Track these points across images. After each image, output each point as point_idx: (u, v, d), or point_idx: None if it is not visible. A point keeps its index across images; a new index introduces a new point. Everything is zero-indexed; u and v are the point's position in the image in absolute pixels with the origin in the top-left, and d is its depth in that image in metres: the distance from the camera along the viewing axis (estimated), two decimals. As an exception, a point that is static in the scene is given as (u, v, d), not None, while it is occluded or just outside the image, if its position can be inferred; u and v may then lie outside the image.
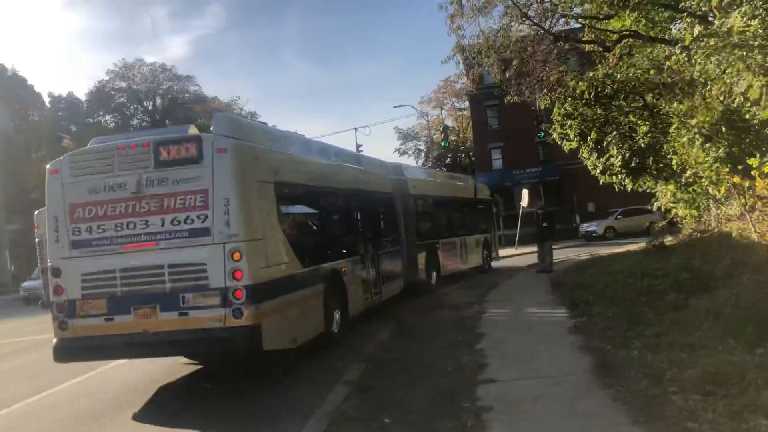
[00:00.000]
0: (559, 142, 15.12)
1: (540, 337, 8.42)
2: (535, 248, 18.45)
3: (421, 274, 15.11)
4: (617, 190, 16.37)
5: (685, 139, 11.40)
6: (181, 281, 7.38)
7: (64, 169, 7.88)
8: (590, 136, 14.10)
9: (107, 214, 7.61)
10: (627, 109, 14.53)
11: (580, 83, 13.94)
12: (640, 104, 14.06)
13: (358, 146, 32.22)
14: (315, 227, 10.57)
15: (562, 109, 14.31)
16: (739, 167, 9.41)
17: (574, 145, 14.73)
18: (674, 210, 15.22)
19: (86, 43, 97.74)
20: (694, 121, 11.26)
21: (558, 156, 45.85)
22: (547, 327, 9.13)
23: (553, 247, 17.89)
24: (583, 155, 14.87)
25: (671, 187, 14.85)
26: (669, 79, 12.58)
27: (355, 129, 32.34)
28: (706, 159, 11.31)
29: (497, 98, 47.49)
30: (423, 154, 61.19)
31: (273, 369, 8.58)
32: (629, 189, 15.51)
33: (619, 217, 33.55)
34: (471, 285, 16.25)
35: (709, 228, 13.92)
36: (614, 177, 14.39)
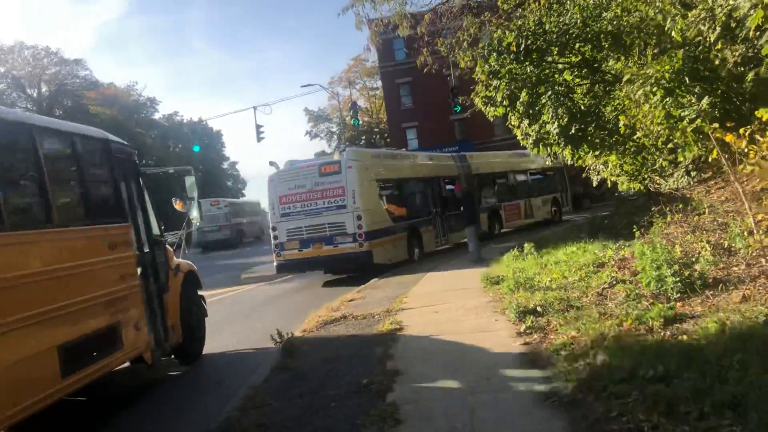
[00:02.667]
0: (483, 109, 12.57)
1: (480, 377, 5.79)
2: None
3: (484, 227, 20.29)
4: (550, 163, 14.06)
5: (639, 92, 9.06)
6: (333, 231, 15.40)
7: (275, 177, 16.27)
8: (520, 98, 11.62)
9: (296, 200, 15.83)
10: (561, 66, 12.15)
11: (507, 33, 11.43)
12: (578, 59, 11.70)
13: (258, 127, 28.76)
14: (400, 201, 18.09)
15: (486, 66, 11.76)
16: (729, 123, 7.10)
17: (500, 111, 12.23)
18: (621, 184, 13.08)
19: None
20: (651, 71, 8.92)
21: (475, 133, 44.14)
22: (491, 356, 6.50)
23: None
24: (512, 123, 12.39)
25: (612, 157, 12.65)
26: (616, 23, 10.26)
27: (254, 108, 28.77)
28: (663, 119, 9.03)
29: (410, 75, 45.29)
30: (335, 136, 58.06)
31: None
32: (568, 161, 13.22)
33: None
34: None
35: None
36: (550, 148, 12.01)
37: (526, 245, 13.08)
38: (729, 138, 6.67)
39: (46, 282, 5.58)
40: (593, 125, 11.65)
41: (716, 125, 6.95)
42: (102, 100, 60.86)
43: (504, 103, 11.87)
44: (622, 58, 11.74)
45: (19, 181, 5.89)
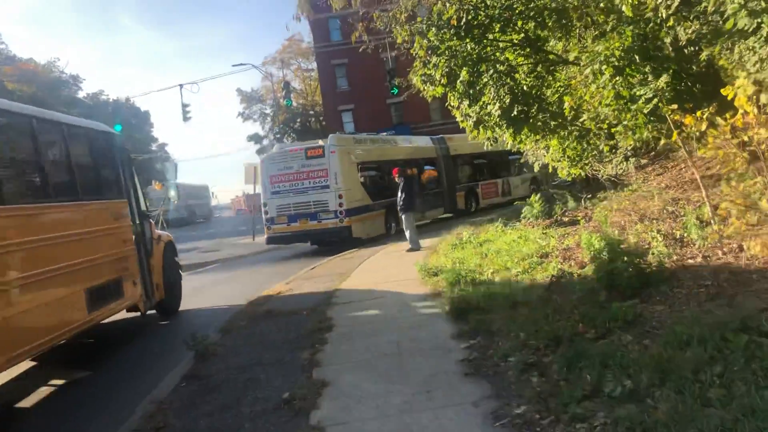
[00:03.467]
0: (420, 88, 11.74)
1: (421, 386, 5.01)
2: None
3: (461, 205, 24.25)
4: (488, 147, 13.46)
5: (587, 71, 8.47)
6: (317, 208, 17.33)
7: (266, 160, 18.56)
8: (460, 77, 10.86)
9: (285, 179, 17.71)
10: (503, 45, 11.46)
11: (448, 6, 10.62)
12: (521, 36, 11.03)
13: (184, 106, 27.06)
14: (379, 181, 19.48)
15: (425, 42, 10.93)
16: (689, 105, 6.54)
17: (439, 90, 11.42)
18: (562, 170, 12.59)
19: None
20: (600, 48, 8.33)
21: (411, 117, 43.48)
22: (429, 360, 5.72)
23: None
24: (452, 103, 11.62)
25: (554, 141, 12.12)
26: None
27: (180, 86, 27.04)
28: (612, 99, 8.48)
29: (346, 56, 44.11)
30: (269, 118, 56.22)
31: None
32: (508, 146, 12.62)
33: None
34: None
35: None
36: (491, 131, 11.32)
37: (464, 233, 12.44)
38: (688, 120, 6.10)
39: (77, 241, 7.54)
40: (536, 107, 11.04)
41: (675, 106, 6.37)
42: (19, 76, 56.81)
43: (443, 81, 11.07)
44: (563, 39, 11.19)
45: (54, 164, 7.69)
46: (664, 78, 7.04)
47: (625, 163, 15.14)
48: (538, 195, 14.03)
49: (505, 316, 6.39)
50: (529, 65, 11.31)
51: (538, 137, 11.88)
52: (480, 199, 25.60)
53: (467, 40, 10.97)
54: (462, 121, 11.78)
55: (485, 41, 11.24)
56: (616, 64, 8.21)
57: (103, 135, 9.10)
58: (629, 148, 15.50)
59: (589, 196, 14.32)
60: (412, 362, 5.71)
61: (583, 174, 13.44)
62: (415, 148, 23.24)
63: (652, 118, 8.07)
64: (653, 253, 6.86)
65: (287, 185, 17.71)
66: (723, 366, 3.92)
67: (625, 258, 6.31)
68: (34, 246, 6.58)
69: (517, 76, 11.13)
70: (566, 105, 9.77)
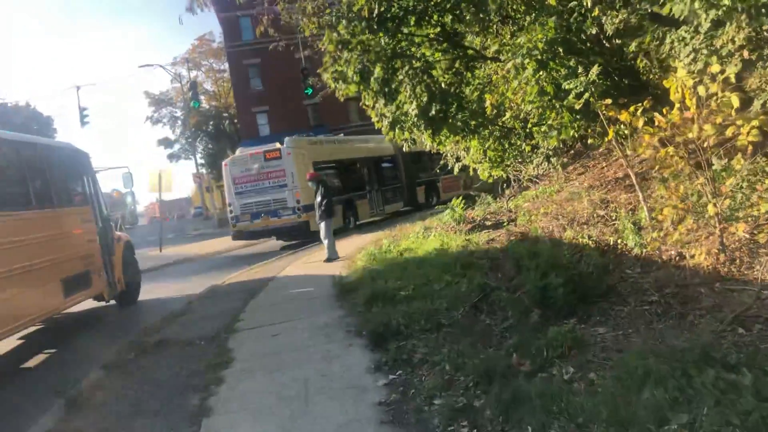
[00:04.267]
0: (332, 87, 10.84)
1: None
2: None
3: (421, 199, 25.78)
4: (407, 149, 12.72)
5: (509, 65, 7.82)
6: (277, 205, 18.58)
7: (230, 162, 19.61)
8: (374, 74, 10.04)
9: (247, 180, 18.90)
10: (418, 40, 10.74)
11: (358, -4, 9.78)
12: (438, 30, 10.34)
13: (81, 110, 25.02)
14: (337, 178, 20.79)
15: (335, 35, 10.03)
16: (622, 100, 5.94)
17: (352, 89, 10.57)
18: (483, 171, 11.99)
19: None
20: (522, 40, 7.70)
21: (329, 119, 42.47)
22: (342, 404, 4.80)
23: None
24: (366, 102, 10.79)
25: (474, 142, 11.51)
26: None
27: (77, 87, 24.94)
28: (535, 96, 7.87)
29: (259, 56, 42.53)
30: (180, 122, 53.78)
31: None
32: (428, 147, 11.89)
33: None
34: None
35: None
36: (408, 132, 10.55)
37: (384, 241, 11.63)
38: (624, 116, 5.48)
39: (54, 240, 9.04)
40: (455, 106, 10.36)
41: (609, 101, 5.75)
42: None
43: (356, 79, 10.19)
44: (482, 34, 10.60)
45: (39, 178, 9.24)
46: (595, 69, 6.44)
47: (546, 163, 14.80)
48: (461, 198, 13.41)
49: (429, 342, 5.59)
50: (447, 61, 10.63)
51: (458, 138, 11.22)
52: (441, 193, 26.74)
53: (380, 34, 10.19)
54: (377, 122, 10.97)
55: (400, 35, 10.50)
56: (540, 57, 7.61)
57: (72, 152, 10.81)
58: (550, 147, 15.17)
59: (511, 197, 13.85)
60: (322, 407, 4.78)
61: (505, 175, 12.92)
62: (372, 146, 24.40)
63: (577, 116, 7.51)
64: (586, 263, 6.23)
65: (249, 185, 19.13)
66: (690, 412, 3.23)
67: (559, 270, 5.65)
68: (18, 245, 8.01)
69: (434, 73, 10.43)
70: (487, 103, 9.12)
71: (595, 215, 7.99)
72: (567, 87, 6.63)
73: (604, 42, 7.94)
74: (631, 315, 4.97)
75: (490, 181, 14.55)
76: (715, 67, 4.97)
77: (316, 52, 19.28)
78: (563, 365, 4.34)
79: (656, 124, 5.44)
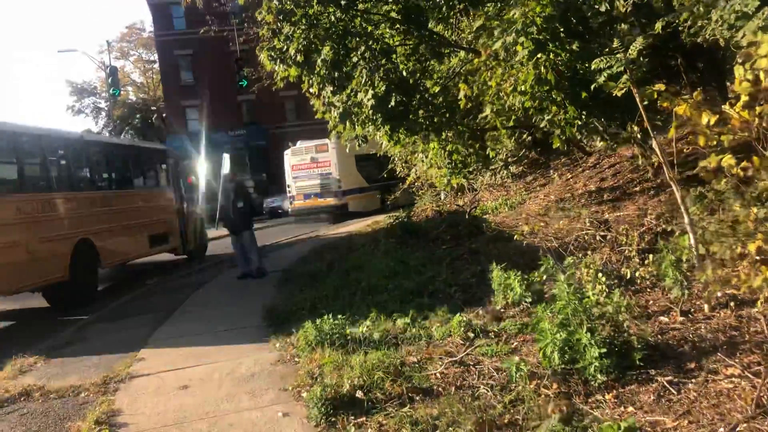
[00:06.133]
0: (269, 68, 8.89)
1: None
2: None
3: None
4: (358, 148, 10.98)
5: (497, 45, 6.16)
6: (324, 189, 23.65)
7: (289, 152, 24.57)
8: (322, 54, 8.21)
9: (302, 167, 24.07)
10: (376, 18, 8.97)
11: (305, -44, 7.92)
12: (399, 7, 8.60)
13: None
14: (376, 169, 22.04)
15: (275, 3, 8.14)
16: (659, 85, 4.33)
17: (293, 72, 8.67)
18: (440, 179, 10.31)
19: None
20: (517, 13, 6.04)
21: (264, 117, 40.12)
22: None
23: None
24: (310, 89, 8.92)
25: (433, 144, 9.81)
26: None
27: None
28: (531, 84, 6.25)
29: (191, 47, 39.76)
30: (104, 113, 50.09)
31: None
32: (383, 146, 10.12)
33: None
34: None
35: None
36: (361, 126, 8.74)
37: (328, 256, 9.77)
38: (683, 109, 3.85)
39: (145, 209, 13.81)
40: (417, 98, 8.64)
41: (662, 86, 4.10)
42: None
43: (299, 59, 8.30)
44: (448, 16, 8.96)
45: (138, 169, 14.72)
46: (640, 41, 4.76)
47: (504, 170, 13.31)
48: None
49: (400, 424, 3.81)
50: (410, 46, 8.90)
51: (417, 138, 9.51)
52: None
53: (331, 8, 8.37)
54: (324, 113, 9.13)
55: (354, 11, 8.70)
56: (537, 36, 5.97)
57: (159, 150, 15.97)
58: (508, 153, 13.65)
59: (473, 207, 12.25)
60: None
61: (465, 183, 11.31)
62: None
63: (583, 113, 5.89)
64: (609, 309, 4.57)
65: (303, 172, 23.92)
66: None
67: (585, 321, 3.98)
68: (127, 209, 12.83)
69: (395, 57, 8.68)
70: (461, 94, 7.42)
71: (595, 238, 6.41)
72: (598, 66, 4.97)
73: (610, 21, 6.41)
74: (700, 394, 3.34)
75: (447, 189, 12.93)
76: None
77: (252, 39, 17.24)
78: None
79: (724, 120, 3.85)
